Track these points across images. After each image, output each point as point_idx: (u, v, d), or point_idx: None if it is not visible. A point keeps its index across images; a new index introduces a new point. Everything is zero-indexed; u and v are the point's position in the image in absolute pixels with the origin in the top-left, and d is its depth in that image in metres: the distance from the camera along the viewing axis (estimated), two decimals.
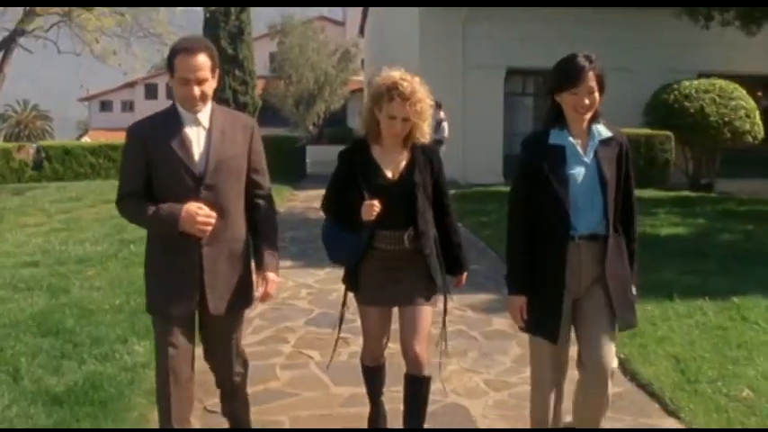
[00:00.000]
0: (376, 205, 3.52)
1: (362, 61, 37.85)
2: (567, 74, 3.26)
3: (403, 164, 3.67)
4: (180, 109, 3.37)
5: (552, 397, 3.47)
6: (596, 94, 3.26)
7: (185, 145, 3.32)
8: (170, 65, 3.30)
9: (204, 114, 3.38)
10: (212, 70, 3.34)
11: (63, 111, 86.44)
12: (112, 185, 15.66)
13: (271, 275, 3.50)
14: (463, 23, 17.91)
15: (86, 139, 39.66)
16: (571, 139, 3.32)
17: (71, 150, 20.02)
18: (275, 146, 19.09)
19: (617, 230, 3.35)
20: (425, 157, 3.69)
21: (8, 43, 15.25)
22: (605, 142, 3.32)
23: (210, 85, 3.34)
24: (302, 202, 15.07)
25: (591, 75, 3.22)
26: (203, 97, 3.32)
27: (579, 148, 3.31)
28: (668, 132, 17.35)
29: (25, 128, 69.20)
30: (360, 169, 3.64)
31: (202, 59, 3.27)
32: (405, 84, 3.54)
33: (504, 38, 17.85)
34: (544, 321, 3.35)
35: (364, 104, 3.73)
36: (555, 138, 3.34)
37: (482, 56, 17.90)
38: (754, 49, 17.52)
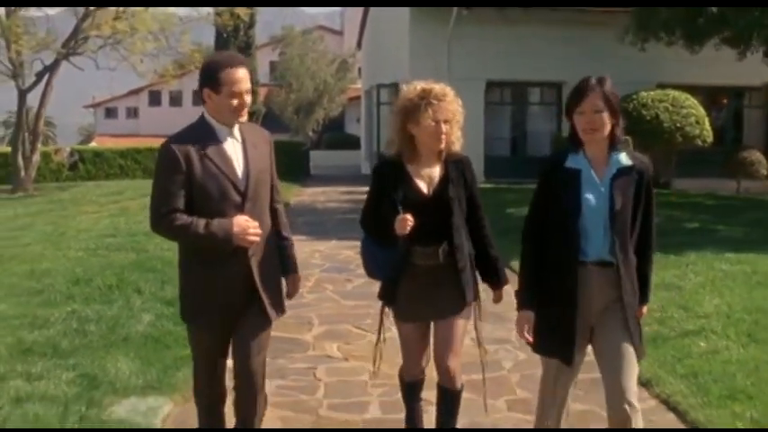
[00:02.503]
0: (409, 219, 3.52)
1: (359, 70, 40.16)
2: (575, 92, 3.24)
3: (437, 178, 3.67)
4: (213, 123, 3.38)
5: (555, 412, 3.51)
6: (603, 115, 3.17)
7: (228, 160, 3.36)
8: (214, 80, 3.30)
9: (235, 128, 3.43)
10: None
11: (64, 118, 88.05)
12: (142, 184, 18.19)
13: (294, 276, 3.72)
14: (448, 42, 20.32)
15: (94, 144, 41.73)
16: (587, 163, 3.27)
17: (102, 153, 22.62)
18: (284, 150, 21.78)
19: (629, 258, 3.32)
20: (458, 170, 3.69)
21: (59, 62, 17.88)
22: (624, 171, 3.24)
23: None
24: (309, 197, 17.69)
25: (597, 94, 3.16)
26: (247, 107, 3.41)
27: (594, 174, 3.25)
28: (627, 137, 19.78)
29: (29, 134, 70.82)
30: (394, 185, 3.65)
31: (245, 72, 3.35)
32: (436, 87, 3.62)
33: (483, 54, 20.23)
34: (558, 343, 3.34)
35: (393, 125, 3.74)
36: (571, 161, 3.30)
37: (465, 70, 20.17)
38: (707, 64, 19.80)
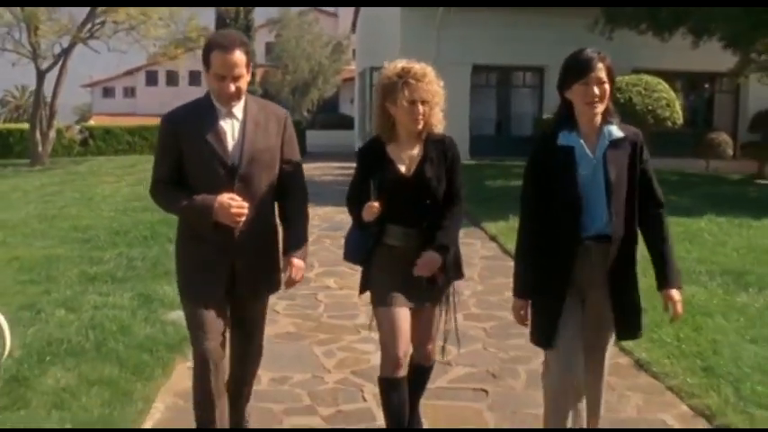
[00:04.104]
0: (375, 206, 3.45)
1: (353, 52, 41.45)
2: (577, 65, 3.19)
3: (417, 159, 3.58)
4: (213, 100, 3.37)
5: (567, 403, 3.29)
6: (606, 86, 3.17)
7: (219, 137, 3.33)
8: (206, 60, 3.29)
9: (238, 106, 3.38)
10: (247, 66, 3.31)
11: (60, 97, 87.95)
12: (151, 158, 19.88)
13: (296, 261, 3.53)
14: (437, 28, 21.70)
15: (91, 123, 42.81)
16: (580, 139, 3.22)
17: (111, 130, 24.07)
18: None
19: (630, 233, 3.25)
20: (439, 150, 3.59)
21: (74, 45, 19.34)
22: (616, 143, 3.20)
23: (245, 81, 3.32)
24: (307, 171, 18.32)
25: (600, 65, 3.15)
26: (238, 93, 3.32)
27: (588, 149, 3.21)
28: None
29: (24, 113, 69.29)
30: (374, 166, 3.58)
31: (238, 56, 3.25)
32: (415, 66, 3.50)
33: (470, 39, 21.60)
34: (541, 327, 3.30)
35: (374, 104, 3.65)
36: (564, 139, 3.24)
37: (452, 54, 21.39)
38: (680, 51, 20.94)
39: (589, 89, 3.16)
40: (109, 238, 8.87)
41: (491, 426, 4.36)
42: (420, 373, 3.85)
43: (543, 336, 3.32)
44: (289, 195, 3.58)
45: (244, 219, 3.32)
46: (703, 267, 7.74)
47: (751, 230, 10.06)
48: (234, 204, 3.28)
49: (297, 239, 3.57)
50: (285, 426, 4.32)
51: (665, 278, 3.33)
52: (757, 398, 4.48)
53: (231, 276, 3.44)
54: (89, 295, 6.45)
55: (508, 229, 9.46)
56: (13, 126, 27.64)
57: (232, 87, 3.28)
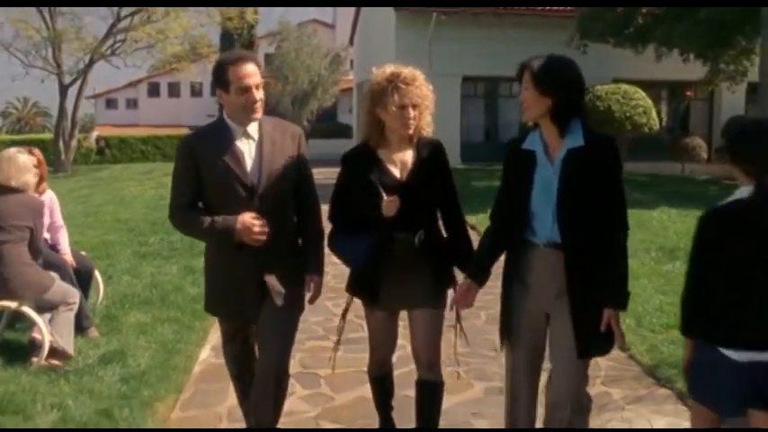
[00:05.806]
0: (395, 200, 3.41)
1: (351, 62, 43.10)
2: None
3: (409, 163, 3.54)
4: (229, 122, 3.39)
5: (524, 403, 3.39)
6: (528, 93, 3.12)
7: (237, 157, 3.35)
8: (222, 78, 3.30)
9: (253, 126, 3.40)
10: (261, 77, 3.39)
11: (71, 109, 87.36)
12: (164, 166, 21.50)
13: (316, 279, 3.61)
14: (429, 42, 23.33)
15: (96, 134, 44.27)
16: (542, 144, 3.21)
17: (125, 140, 25.74)
18: None
19: (591, 242, 3.15)
20: (431, 154, 3.56)
21: (95, 61, 21.06)
22: (576, 152, 3.12)
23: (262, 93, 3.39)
24: None
25: (526, 73, 3.14)
26: (262, 102, 3.36)
27: (547, 155, 3.20)
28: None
29: (26, 124, 69.99)
30: (366, 171, 3.51)
31: (253, 67, 3.32)
32: (405, 71, 3.46)
33: (460, 53, 23.26)
34: (502, 325, 3.40)
35: (363, 110, 3.59)
36: (529, 142, 3.26)
37: (444, 66, 22.83)
38: (656, 61, 22.50)
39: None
40: (148, 227, 10.52)
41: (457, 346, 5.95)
42: (428, 391, 3.69)
43: (501, 333, 3.44)
44: (302, 212, 3.65)
45: (265, 238, 3.37)
46: (643, 246, 9.38)
47: (695, 219, 11.66)
48: (256, 224, 3.33)
49: (314, 258, 3.64)
50: (305, 348, 5.94)
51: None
52: (651, 327, 6.13)
53: (262, 295, 3.50)
54: (145, 267, 8.11)
55: (486, 219, 11.00)
56: (34, 137, 29.30)
57: (258, 95, 3.35)
